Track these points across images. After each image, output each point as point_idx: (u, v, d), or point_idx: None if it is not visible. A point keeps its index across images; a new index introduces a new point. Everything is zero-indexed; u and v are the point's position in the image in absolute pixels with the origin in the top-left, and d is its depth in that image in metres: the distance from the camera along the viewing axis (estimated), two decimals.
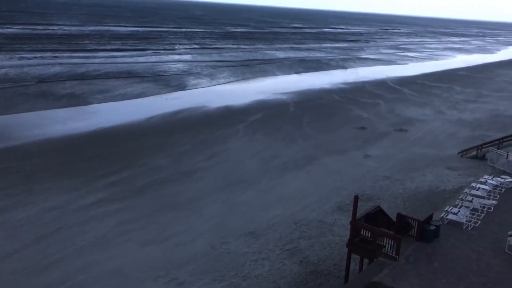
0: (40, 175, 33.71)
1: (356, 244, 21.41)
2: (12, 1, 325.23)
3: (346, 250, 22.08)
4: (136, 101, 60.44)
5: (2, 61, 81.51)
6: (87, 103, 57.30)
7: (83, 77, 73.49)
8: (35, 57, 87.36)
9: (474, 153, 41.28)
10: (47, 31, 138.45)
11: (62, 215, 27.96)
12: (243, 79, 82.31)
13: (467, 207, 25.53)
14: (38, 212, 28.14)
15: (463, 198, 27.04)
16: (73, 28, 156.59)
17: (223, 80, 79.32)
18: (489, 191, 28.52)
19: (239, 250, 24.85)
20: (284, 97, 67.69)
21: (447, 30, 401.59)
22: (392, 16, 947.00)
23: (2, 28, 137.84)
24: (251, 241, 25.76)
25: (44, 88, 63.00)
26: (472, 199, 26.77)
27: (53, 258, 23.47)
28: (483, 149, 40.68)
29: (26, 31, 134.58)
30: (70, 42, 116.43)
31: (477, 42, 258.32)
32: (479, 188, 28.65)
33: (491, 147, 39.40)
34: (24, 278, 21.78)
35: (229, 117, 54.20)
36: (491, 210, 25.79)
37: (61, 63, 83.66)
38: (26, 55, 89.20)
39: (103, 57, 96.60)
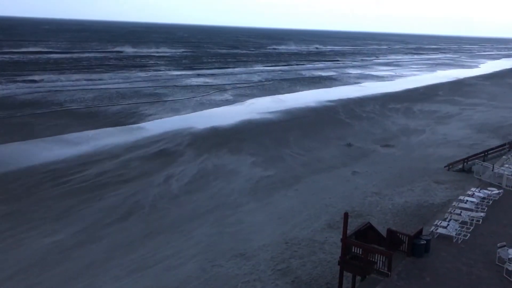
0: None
1: (347, 261, 21.32)
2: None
3: (338, 268, 21.97)
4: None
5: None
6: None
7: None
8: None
9: (460, 166, 41.68)
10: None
11: (45, 243, 27.47)
12: (234, 100, 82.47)
13: (456, 220, 25.67)
14: (22, 239, 27.62)
15: (452, 211, 27.20)
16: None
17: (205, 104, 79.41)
18: (477, 204, 28.73)
19: (230, 272, 24.57)
20: (270, 116, 67.92)
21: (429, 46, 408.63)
22: (359, 34, 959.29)
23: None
24: (242, 263, 25.51)
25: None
26: (461, 212, 26.93)
27: None
28: (469, 162, 41.10)
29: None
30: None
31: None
32: (467, 201, 28.86)
33: (476, 160, 39.82)
34: None
35: (218, 137, 54.08)
36: (480, 222, 25.95)
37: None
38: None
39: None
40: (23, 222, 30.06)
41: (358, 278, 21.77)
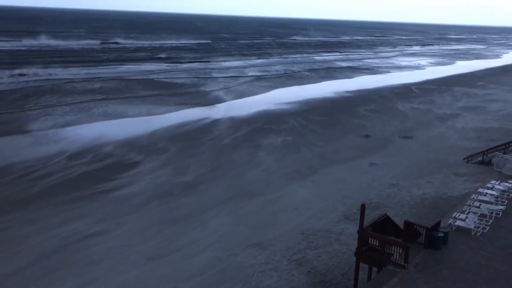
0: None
1: (364, 253, 21.24)
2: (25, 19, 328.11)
3: (354, 259, 21.92)
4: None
5: None
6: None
7: None
8: None
9: (480, 158, 41.05)
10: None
11: (65, 231, 27.94)
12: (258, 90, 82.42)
13: (475, 213, 25.34)
14: (40, 228, 28.13)
15: (471, 204, 26.85)
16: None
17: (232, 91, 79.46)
18: (497, 197, 28.30)
19: (246, 261, 24.70)
20: (287, 106, 67.71)
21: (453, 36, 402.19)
22: (383, 24, 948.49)
23: None
24: (258, 252, 25.61)
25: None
26: (480, 204, 26.57)
27: (56, 275, 23.39)
28: (489, 154, 40.46)
29: None
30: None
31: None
32: (486, 193, 28.45)
33: (497, 152, 39.17)
34: None
35: (234, 128, 54.17)
36: (499, 215, 25.56)
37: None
38: None
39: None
40: None
41: (374, 269, 21.69)
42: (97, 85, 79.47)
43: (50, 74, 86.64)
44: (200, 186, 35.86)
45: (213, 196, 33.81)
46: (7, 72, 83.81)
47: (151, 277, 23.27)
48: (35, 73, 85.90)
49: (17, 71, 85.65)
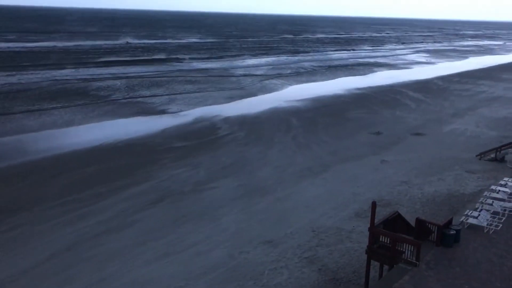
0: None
1: (375, 250, 21.19)
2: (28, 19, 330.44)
3: (365, 257, 21.87)
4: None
5: None
6: None
7: None
8: None
9: (493, 155, 40.69)
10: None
11: (77, 228, 28.24)
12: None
13: (487, 210, 25.13)
14: (53, 225, 28.46)
15: (483, 201, 26.64)
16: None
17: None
18: (510, 194, 28.03)
19: (258, 259, 24.77)
20: (298, 104, 67.63)
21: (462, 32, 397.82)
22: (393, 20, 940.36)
23: None
24: (269, 250, 25.67)
25: None
26: (493, 202, 26.35)
27: (70, 272, 23.65)
28: (502, 151, 40.08)
29: None
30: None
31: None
32: (499, 190, 28.21)
33: (510, 149, 38.78)
34: None
35: (245, 125, 54.27)
36: None
37: None
38: None
39: None
40: None
41: (385, 267, 21.64)
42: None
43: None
44: (211, 183, 36.01)
45: (224, 194, 33.96)
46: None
47: (163, 274, 23.44)
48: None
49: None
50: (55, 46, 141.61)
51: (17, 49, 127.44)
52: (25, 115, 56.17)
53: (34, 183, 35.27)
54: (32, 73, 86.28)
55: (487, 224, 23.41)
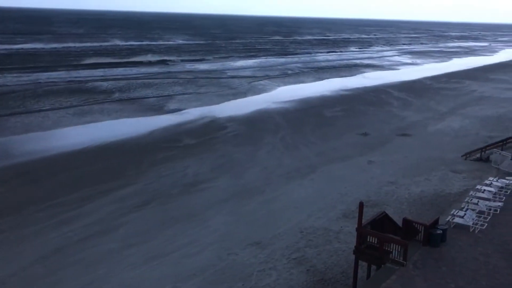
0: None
1: (363, 251, 21.33)
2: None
3: (353, 257, 22.01)
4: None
5: None
6: None
7: None
8: None
9: (478, 155, 41.16)
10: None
11: (64, 231, 28.01)
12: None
13: (473, 209, 25.44)
14: (40, 228, 28.20)
15: (469, 201, 26.96)
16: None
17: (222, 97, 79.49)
18: (495, 193, 28.41)
19: (246, 260, 24.80)
20: (286, 105, 67.78)
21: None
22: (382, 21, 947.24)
23: None
24: (258, 251, 25.71)
25: None
26: (478, 201, 26.67)
27: (57, 275, 23.45)
28: (487, 151, 40.57)
29: None
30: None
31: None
32: (485, 190, 28.56)
33: (495, 149, 39.28)
34: None
35: (230, 127, 54.26)
36: (498, 212, 25.67)
37: None
38: None
39: None
40: None
41: (373, 267, 21.80)
42: None
43: None
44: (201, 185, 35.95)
45: (213, 195, 33.92)
46: None
47: (151, 276, 23.36)
48: None
49: None
50: (42, 48, 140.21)
51: (2, 51, 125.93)
52: (9, 117, 55.60)
53: (20, 186, 34.91)
54: (16, 76, 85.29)
55: (473, 224, 23.70)
